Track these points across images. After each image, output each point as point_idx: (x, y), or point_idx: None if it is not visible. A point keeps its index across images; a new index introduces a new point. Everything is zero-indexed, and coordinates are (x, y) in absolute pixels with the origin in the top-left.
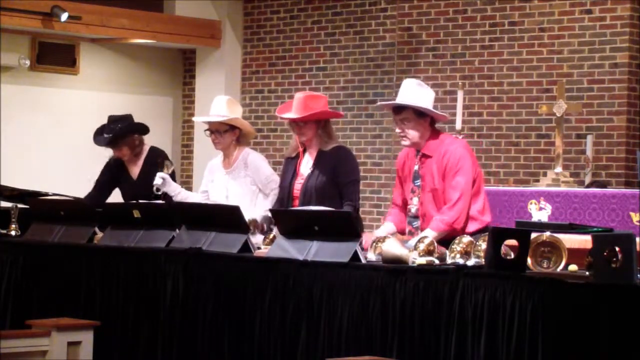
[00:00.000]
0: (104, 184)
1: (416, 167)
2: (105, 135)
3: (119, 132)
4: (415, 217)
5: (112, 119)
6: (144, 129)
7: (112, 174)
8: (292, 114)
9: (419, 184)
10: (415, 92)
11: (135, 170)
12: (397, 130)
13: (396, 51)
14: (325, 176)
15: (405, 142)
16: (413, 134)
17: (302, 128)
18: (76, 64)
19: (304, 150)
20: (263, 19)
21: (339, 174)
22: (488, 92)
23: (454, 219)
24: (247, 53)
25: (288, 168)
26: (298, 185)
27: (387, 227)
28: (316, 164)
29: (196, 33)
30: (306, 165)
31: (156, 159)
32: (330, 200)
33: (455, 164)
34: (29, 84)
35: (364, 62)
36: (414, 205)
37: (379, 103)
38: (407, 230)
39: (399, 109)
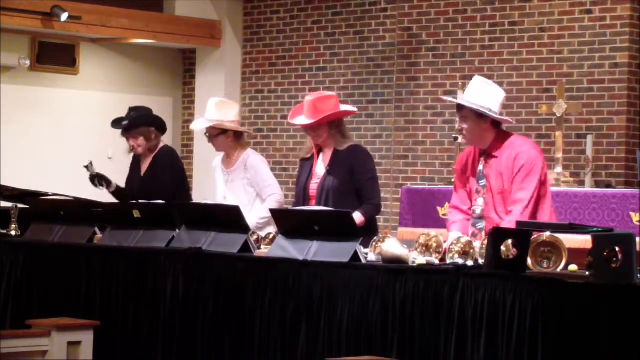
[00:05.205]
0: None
1: (480, 167)
2: (124, 123)
3: (137, 119)
4: (480, 218)
5: (132, 109)
6: (161, 126)
7: (131, 169)
8: (304, 119)
9: (483, 184)
10: (479, 91)
11: (144, 167)
12: (457, 126)
13: (396, 51)
14: (342, 175)
15: (463, 140)
16: (470, 133)
17: (316, 131)
18: (76, 64)
19: (319, 151)
20: (263, 19)
21: (356, 173)
22: None
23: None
24: (247, 53)
25: (303, 169)
26: (314, 186)
27: (454, 237)
28: (332, 164)
29: (196, 33)
30: (321, 165)
31: (165, 158)
32: (347, 200)
33: (529, 164)
34: (29, 84)
35: (364, 62)
36: (478, 206)
37: (444, 97)
38: (470, 232)
39: (461, 106)
